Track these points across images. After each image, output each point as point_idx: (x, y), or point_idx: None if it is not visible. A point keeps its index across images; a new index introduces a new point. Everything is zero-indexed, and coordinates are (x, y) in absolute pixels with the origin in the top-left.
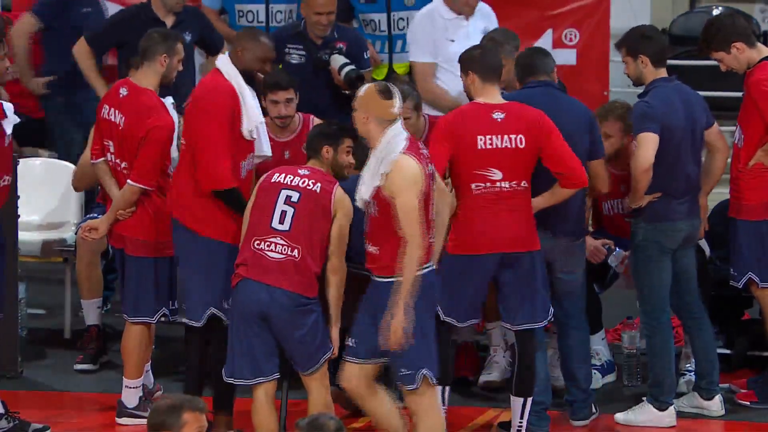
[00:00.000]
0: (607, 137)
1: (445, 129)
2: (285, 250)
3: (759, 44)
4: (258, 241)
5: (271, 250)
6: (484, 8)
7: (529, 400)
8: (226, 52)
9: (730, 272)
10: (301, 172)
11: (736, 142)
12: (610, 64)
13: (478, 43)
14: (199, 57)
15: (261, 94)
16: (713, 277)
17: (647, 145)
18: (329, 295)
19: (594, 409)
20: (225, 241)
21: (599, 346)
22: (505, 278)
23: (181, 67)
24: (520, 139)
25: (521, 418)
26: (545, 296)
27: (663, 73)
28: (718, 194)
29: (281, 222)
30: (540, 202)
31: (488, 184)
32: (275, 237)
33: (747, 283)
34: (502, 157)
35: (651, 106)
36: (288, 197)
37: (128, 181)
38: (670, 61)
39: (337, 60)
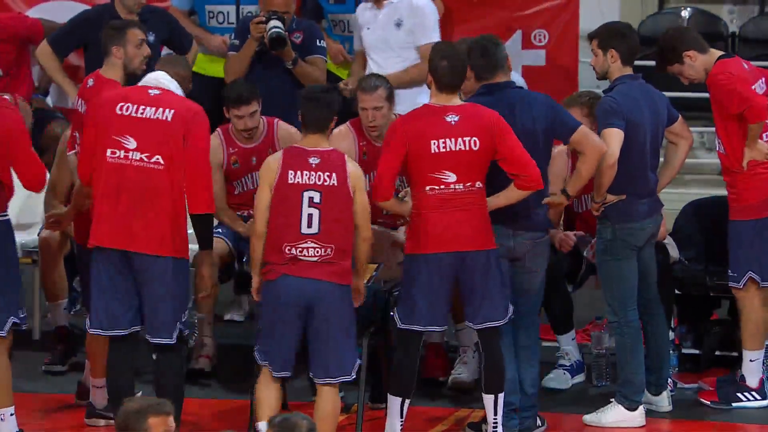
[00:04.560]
0: None
1: (399, 132)
2: (318, 251)
3: (711, 49)
4: (289, 247)
5: (305, 255)
6: (413, 2)
7: (501, 396)
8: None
9: (728, 274)
10: (312, 162)
11: (718, 150)
12: (580, 64)
13: (385, 32)
14: None
15: (224, 106)
16: (682, 277)
17: (613, 140)
18: (357, 253)
19: (540, 423)
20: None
21: (569, 347)
22: (464, 278)
23: (145, 52)
24: (474, 141)
25: (495, 414)
26: (504, 294)
27: (629, 70)
28: (687, 194)
29: (309, 225)
30: (495, 201)
31: (442, 187)
32: (306, 242)
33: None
34: (456, 159)
35: (616, 102)
36: (311, 199)
37: None
38: (639, 62)
39: (271, 24)
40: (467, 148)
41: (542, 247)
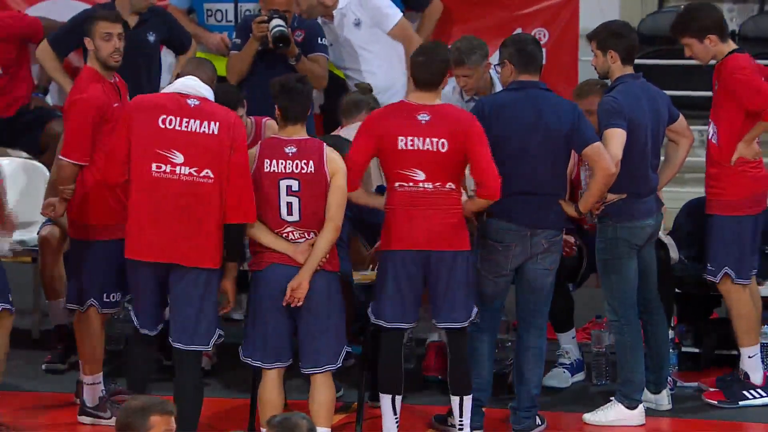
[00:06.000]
0: (590, 114)
1: (368, 125)
2: (303, 236)
3: (729, 40)
4: (275, 233)
5: (290, 240)
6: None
7: (467, 398)
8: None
9: (707, 267)
10: (289, 151)
11: (710, 138)
12: (579, 63)
13: (349, 38)
14: (168, 56)
15: None
16: (682, 276)
17: (615, 140)
18: (318, 239)
19: (539, 422)
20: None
21: (569, 345)
22: (429, 277)
23: (113, 46)
24: (443, 143)
25: (461, 416)
26: (467, 297)
27: (630, 69)
28: (686, 193)
29: (290, 213)
30: (467, 207)
31: (411, 184)
32: (288, 227)
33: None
34: (423, 158)
35: (618, 102)
36: (288, 187)
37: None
38: (638, 60)
39: (273, 23)
40: (435, 149)
41: (556, 246)
